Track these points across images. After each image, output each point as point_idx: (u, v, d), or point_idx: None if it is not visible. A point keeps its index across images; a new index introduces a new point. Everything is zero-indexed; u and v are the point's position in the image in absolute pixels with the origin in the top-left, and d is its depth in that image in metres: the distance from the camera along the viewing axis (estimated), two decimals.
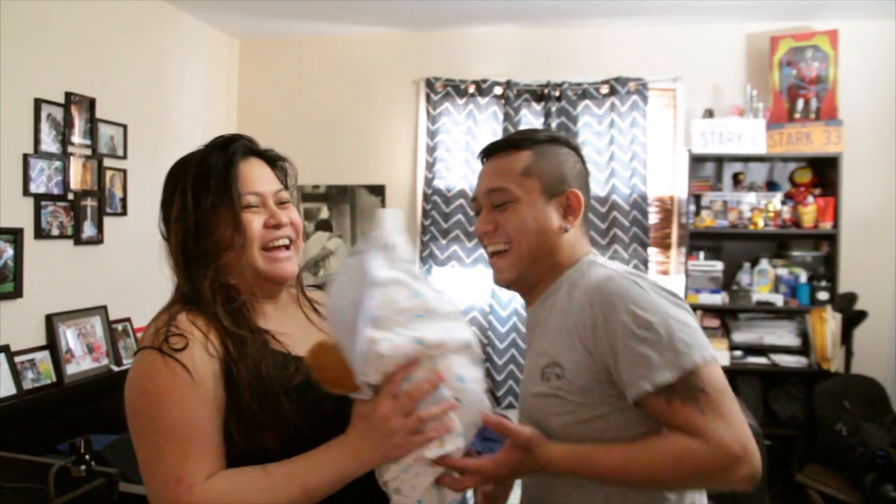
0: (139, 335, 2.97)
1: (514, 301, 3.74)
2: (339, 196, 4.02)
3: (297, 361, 1.03)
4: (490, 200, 1.13)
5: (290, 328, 1.09)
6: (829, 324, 3.16)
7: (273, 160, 1.13)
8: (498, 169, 1.14)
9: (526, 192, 1.10)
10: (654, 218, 3.75)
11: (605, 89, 3.67)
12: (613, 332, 0.97)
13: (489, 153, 1.17)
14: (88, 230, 2.93)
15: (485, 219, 1.14)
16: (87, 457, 1.43)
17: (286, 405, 0.97)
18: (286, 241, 1.08)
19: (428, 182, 3.83)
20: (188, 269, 1.03)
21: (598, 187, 3.63)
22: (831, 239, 3.37)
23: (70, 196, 2.83)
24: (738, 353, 3.35)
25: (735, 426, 0.92)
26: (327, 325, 0.97)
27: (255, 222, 1.04)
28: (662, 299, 1.00)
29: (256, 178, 1.06)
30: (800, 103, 3.42)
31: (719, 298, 3.40)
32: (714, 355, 0.97)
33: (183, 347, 0.95)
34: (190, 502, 0.91)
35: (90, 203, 2.94)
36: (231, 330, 1.00)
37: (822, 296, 3.33)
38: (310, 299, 1.19)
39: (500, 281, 1.15)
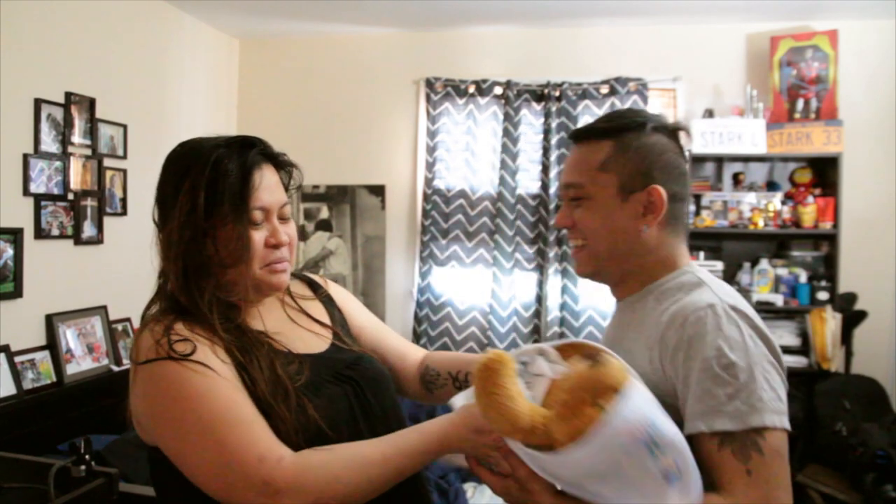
0: None
1: (513, 301, 3.74)
2: (339, 196, 4.02)
3: (299, 359, 1.02)
4: (566, 195, 1.07)
5: (278, 327, 1.08)
6: (829, 324, 3.16)
7: (283, 165, 1.09)
8: (577, 161, 1.06)
9: (600, 189, 1.02)
10: None
11: (605, 89, 3.67)
12: (693, 360, 0.90)
13: (575, 138, 1.09)
14: (88, 230, 2.93)
15: (562, 213, 1.08)
16: (87, 457, 1.43)
17: (307, 402, 0.96)
18: (284, 260, 1.06)
19: (428, 182, 3.83)
20: (187, 278, 0.99)
21: None
22: (831, 239, 3.37)
23: (70, 196, 2.83)
24: None
25: (772, 499, 0.85)
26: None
27: (258, 241, 1.01)
28: (757, 349, 0.90)
29: (266, 188, 1.02)
30: (800, 103, 3.42)
31: None
32: (787, 426, 0.88)
33: (192, 351, 0.93)
34: (285, 476, 0.86)
35: (90, 203, 2.94)
36: (233, 338, 0.98)
37: (822, 296, 3.33)
38: (294, 297, 1.17)
39: (579, 273, 1.11)
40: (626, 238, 1.02)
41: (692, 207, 3.47)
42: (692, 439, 0.86)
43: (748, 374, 0.87)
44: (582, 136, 1.06)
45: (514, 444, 0.82)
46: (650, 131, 1.03)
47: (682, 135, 1.07)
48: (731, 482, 0.85)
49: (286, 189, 1.10)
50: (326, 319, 1.18)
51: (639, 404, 0.77)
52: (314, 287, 1.24)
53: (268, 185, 1.03)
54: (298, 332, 1.11)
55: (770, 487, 0.85)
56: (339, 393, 1.03)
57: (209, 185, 0.97)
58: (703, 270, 1.04)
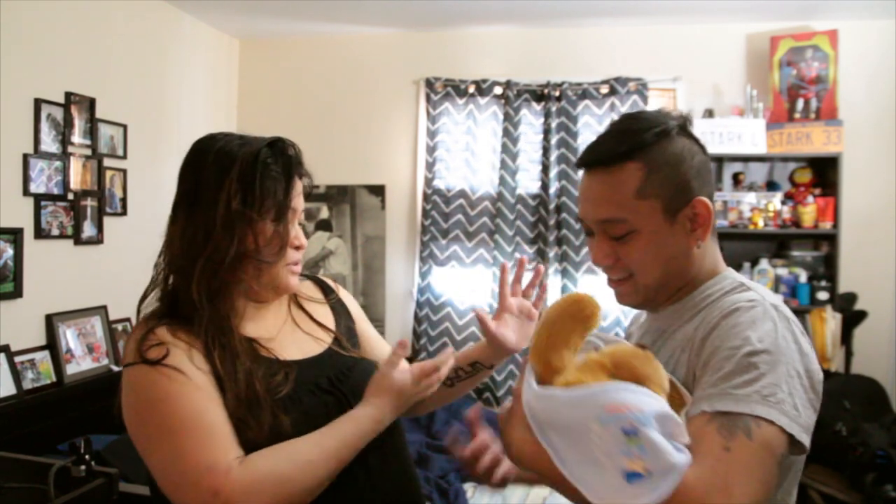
0: None
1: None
2: (339, 196, 4.02)
3: (286, 367, 1.02)
4: (605, 231, 0.95)
5: (274, 331, 1.08)
6: (829, 324, 3.16)
7: (305, 174, 1.11)
8: (606, 192, 0.94)
9: (646, 218, 0.92)
10: None
11: (605, 89, 3.67)
12: (720, 348, 0.84)
13: (591, 165, 0.96)
14: (88, 230, 2.93)
15: (602, 251, 0.96)
16: (87, 457, 1.43)
17: (282, 416, 0.96)
18: (300, 262, 1.11)
19: (428, 182, 3.83)
20: (205, 272, 0.99)
21: None
22: (831, 239, 3.37)
23: (70, 196, 2.83)
24: None
25: (737, 493, 0.73)
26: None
27: (291, 238, 1.07)
28: (789, 350, 0.83)
29: (297, 192, 1.07)
30: (800, 103, 3.42)
31: None
32: (797, 434, 0.79)
33: (165, 355, 0.95)
34: (233, 487, 0.88)
35: (90, 203, 2.94)
36: (216, 345, 0.98)
37: (822, 296, 3.33)
38: (301, 301, 1.18)
39: (622, 303, 1.01)
40: (679, 262, 0.95)
41: None
42: (691, 422, 0.81)
43: (771, 367, 0.80)
44: (602, 162, 0.94)
45: (529, 373, 0.87)
46: (667, 136, 0.93)
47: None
48: (704, 455, 0.75)
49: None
50: (330, 324, 1.18)
51: (643, 400, 0.77)
52: (326, 290, 1.25)
53: (299, 190, 1.08)
54: (295, 336, 1.11)
55: (740, 472, 0.74)
56: (319, 404, 1.03)
57: (260, 181, 1.00)
58: (742, 276, 0.99)
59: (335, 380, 1.07)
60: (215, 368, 0.96)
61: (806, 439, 0.80)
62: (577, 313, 0.87)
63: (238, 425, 0.94)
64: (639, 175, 0.92)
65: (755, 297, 0.89)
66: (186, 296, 0.99)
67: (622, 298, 1.00)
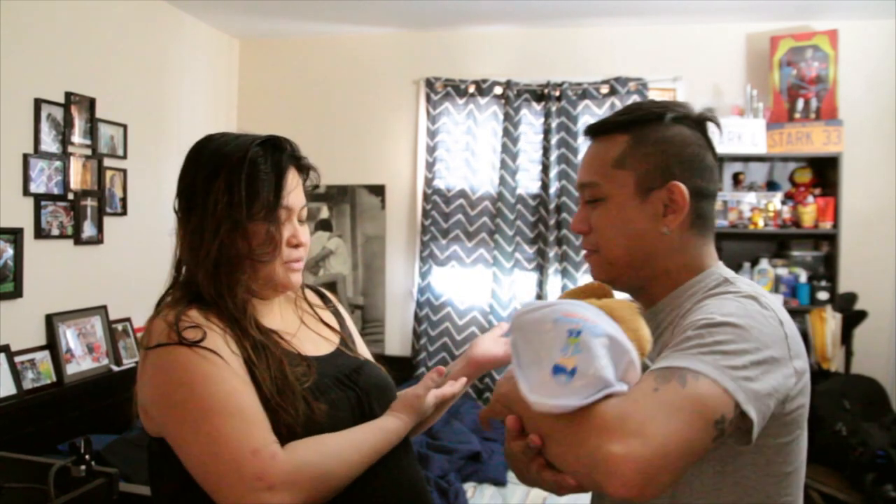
0: (139, 335, 2.96)
1: (513, 301, 3.74)
2: (339, 196, 4.02)
3: (307, 361, 1.04)
4: (582, 196, 0.98)
5: (290, 328, 1.10)
6: (829, 324, 3.16)
7: (306, 168, 1.12)
8: (591, 158, 0.97)
9: (616, 188, 0.93)
10: None
11: (605, 89, 3.67)
12: (685, 328, 0.81)
13: (590, 134, 1.00)
14: (88, 230, 2.93)
15: (578, 216, 0.99)
16: (87, 457, 1.43)
17: (316, 407, 0.96)
18: (301, 259, 1.09)
19: (428, 182, 3.83)
20: (217, 270, 1.00)
21: None
22: (831, 239, 3.37)
23: (70, 196, 2.83)
24: None
25: (651, 429, 0.68)
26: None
27: (283, 238, 1.04)
28: (766, 324, 0.80)
29: (291, 190, 1.05)
30: (800, 103, 3.42)
31: None
32: (742, 402, 0.73)
33: (202, 337, 0.93)
34: (277, 472, 0.87)
35: (90, 203, 2.94)
36: (251, 333, 0.99)
37: (822, 296, 3.33)
38: (309, 302, 1.20)
39: (594, 277, 1.01)
40: (644, 242, 0.93)
41: None
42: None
43: (735, 337, 0.76)
44: (597, 131, 0.98)
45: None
46: (670, 122, 0.94)
47: (710, 126, 0.99)
48: (631, 393, 0.72)
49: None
50: (336, 325, 1.21)
51: (604, 321, 0.78)
52: (324, 299, 1.27)
53: (292, 185, 1.06)
54: (307, 334, 1.13)
55: (661, 411, 0.70)
56: (343, 398, 1.04)
57: (246, 182, 0.99)
58: (730, 271, 0.96)
59: (351, 376, 1.09)
60: (248, 354, 0.96)
61: (752, 411, 0.74)
62: (590, 289, 0.93)
63: (275, 409, 0.93)
64: (623, 146, 0.94)
65: (732, 289, 0.88)
66: (212, 291, 1.00)
67: (592, 271, 1.01)
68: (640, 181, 0.92)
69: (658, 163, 0.92)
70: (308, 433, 0.94)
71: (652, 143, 0.93)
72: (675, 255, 0.94)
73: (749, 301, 0.84)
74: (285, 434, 0.92)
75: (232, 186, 0.99)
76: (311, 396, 0.97)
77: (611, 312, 0.81)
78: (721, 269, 0.96)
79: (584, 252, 1.02)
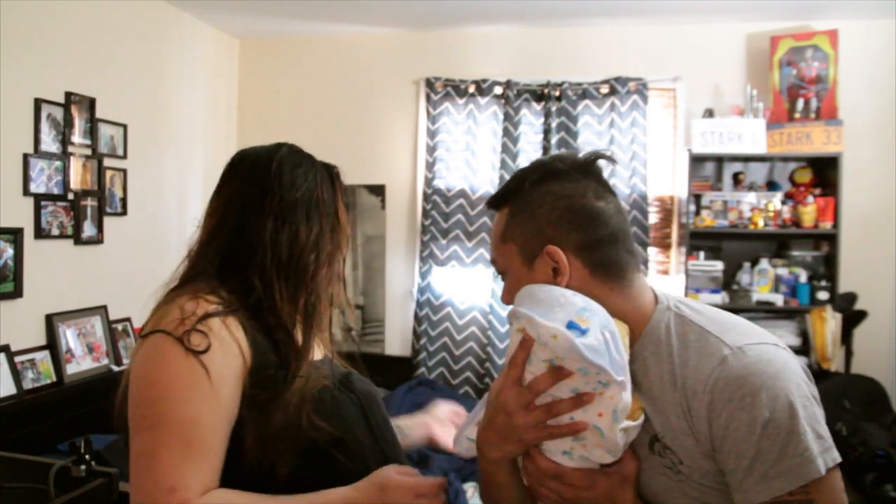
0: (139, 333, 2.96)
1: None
2: None
3: (313, 367, 1.03)
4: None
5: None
6: (829, 323, 3.16)
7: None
8: (492, 233, 1.00)
9: (509, 262, 0.95)
10: (654, 218, 3.75)
11: (605, 89, 3.67)
12: (728, 428, 0.82)
13: (488, 207, 1.02)
14: (88, 230, 2.93)
15: (504, 288, 0.99)
16: (87, 457, 1.42)
17: (313, 418, 0.96)
18: None
19: (428, 182, 3.83)
20: (288, 284, 1.02)
21: None
22: (831, 239, 3.37)
23: (70, 196, 2.83)
24: None
25: None
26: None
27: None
28: (796, 376, 0.86)
29: None
30: (800, 103, 3.42)
31: (719, 298, 3.40)
32: (837, 458, 0.81)
33: (206, 349, 0.90)
34: None
35: (90, 203, 2.94)
36: (296, 346, 1.01)
37: (822, 296, 3.33)
38: None
39: None
40: None
41: (692, 207, 3.46)
42: None
43: (789, 426, 0.80)
44: (490, 205, 0.99)
45: None
46: (537, 183, 0.93)
47: (600, 163, 0.96)
48: None
49: None
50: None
51: (609, 317, 0.87)
52: None
53: None
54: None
55: None
56: (347, 401, 1.05)
57: (317, 207, 1.12)
58: (675, 300, 0.94)
59: (345, 382, 1.09)
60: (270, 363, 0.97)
61: (837, 455, 0.82)
62: None
63: (266, 424, 0.94)
64: (504, 219, 0.96)
65: (724, 351, 0.86)
66: (276, 299, 1.03)
67: None
68: (522, 251, 0.93)
69: (531, 229, 0.92)
70: (298, 444, 0.94)
71: (524, 211, 0.93)
72: (617, 305, 0.91)
73: (791, 367, 0.89)
74: (284, 447, 0.93)
75: (311, 216, 1.10)
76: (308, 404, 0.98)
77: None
78: (668, 303, 0.94)
79: None
